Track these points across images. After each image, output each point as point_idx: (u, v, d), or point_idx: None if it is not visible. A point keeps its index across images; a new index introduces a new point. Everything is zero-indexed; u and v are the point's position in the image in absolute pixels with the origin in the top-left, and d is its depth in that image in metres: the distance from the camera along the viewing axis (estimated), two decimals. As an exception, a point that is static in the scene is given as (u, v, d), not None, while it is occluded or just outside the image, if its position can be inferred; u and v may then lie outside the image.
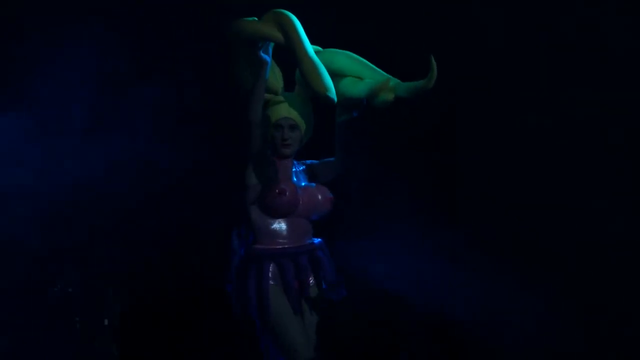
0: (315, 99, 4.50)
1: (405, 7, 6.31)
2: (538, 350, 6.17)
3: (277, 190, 4.49)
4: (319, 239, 4.67)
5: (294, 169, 4.65)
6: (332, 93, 4.33)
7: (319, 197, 4.60)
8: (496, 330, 6.22)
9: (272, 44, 4.55)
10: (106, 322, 6.37)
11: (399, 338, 6.48)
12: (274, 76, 4.63)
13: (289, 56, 4.56)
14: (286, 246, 4.53)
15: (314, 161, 4.77)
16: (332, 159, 4.74)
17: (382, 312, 6.43)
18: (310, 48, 4.44)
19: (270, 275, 4.50)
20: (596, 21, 5.99)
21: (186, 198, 6.43)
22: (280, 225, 4.55)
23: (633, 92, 5.97)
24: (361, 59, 4.65)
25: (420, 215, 6.31)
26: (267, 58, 4.49)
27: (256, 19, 4.59)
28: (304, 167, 4.70)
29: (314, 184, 4.64)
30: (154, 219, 6.43)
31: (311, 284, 4.57)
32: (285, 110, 4.58)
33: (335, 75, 4.54)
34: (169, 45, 6.37)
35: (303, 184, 4.62)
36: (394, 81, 4.54)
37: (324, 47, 4.76)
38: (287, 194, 4.46)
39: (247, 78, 4.54)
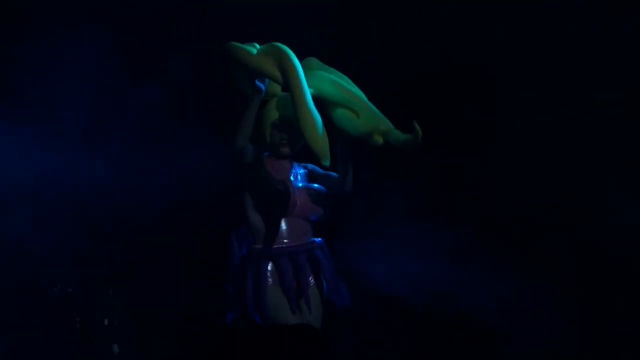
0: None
1: (406, 7, 6.31)
2: (539, 349, 6.17)
3: (273, 191, 4.48)
4: (319, 239, 4.65)
5: (292, 170, 4.63)
6: (327, 158, 4.34)
7: (318, 198, 4.58)
8: (497, 330, 6.22)
9: None
10: (106, 322, 6.37)
11: (399, 338, 6.48)
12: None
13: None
14: (284, 246, 4.51)
15: (317, 167, 4.73)
16: (335, 174, 4.70)
17: (383, 312, 6.44)
18: (308, 94, 4.40)
19: (268, 275, 4.49)
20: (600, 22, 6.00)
21: (186, 199, 6.43)
22: (278, 225, 4.54)
23: (633, 94, 5.97)
24: (349, 86, 4.58)
25: (422, 215, 6.31)
26: (262, 86, 4.48)
27: (257, 45, 4.55)
28: (305, 170, 4.67)
29: (312, 185, 4.62)
30: (154, 220, 6.42)
31: (311, 284, 4.56)
32: (283, 110, 4.57)
33: (327, 102, 4.55)
34: (168, 47, 6.36)
35: (301, 184, 4.60)
36: (384, 124, 4.50)
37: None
38: (284, 194, 4.45)
39: (246, 84, 4.55)
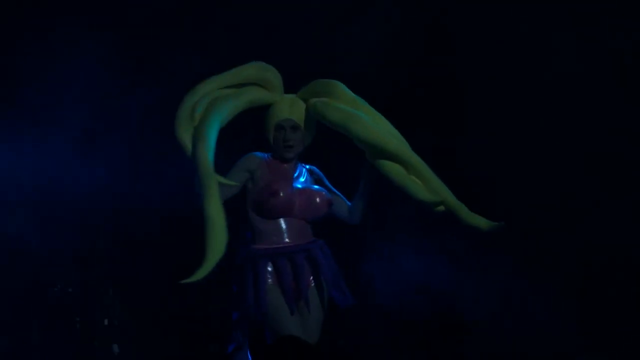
0: None
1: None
2: (539, 349, 6.18)
3: (270, 192, 4.47)
4: (320, 240, 4.64)
5: (296, 171, 4.61)
6: (201, 277, 4.25)
7: (317, 199, 4.56)
8: (500, 331, 6.24)
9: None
10: (106, 322, 6.38)
11: (398, 338, 6.49)
12: (268, 77, 4.60)
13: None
14: (282, 246, 4.50)
15: (325, 179, 4.69)
16: (348, 202, 4.66)
17: (383, 313, 6.45)
18: (215, 189, 4.19)
19: (268, 275, 4.49)
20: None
21: (187, 198, 6.40)
22: (277, 225, 4.52)
23: (634, 96, 5.99)
24: (398, 138, 4.41)
25: (421, 216, 6.31)
26: None
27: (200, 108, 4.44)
28: (310, 174, 4.64)
29: (313, 186, 4.61)
30: (155, 219, 6.43)
31: (310, 285, 4.55)
32: (286, 112, 4.55)
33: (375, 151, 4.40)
34: (168, 49, 6.37)
35: (300, 185, 4.58)
36: (451, 197, 4.35)
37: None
38: (281, 195, 4.43)
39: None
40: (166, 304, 6.52)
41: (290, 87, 4.67)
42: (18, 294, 6.30)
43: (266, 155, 4.62)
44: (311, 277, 4.54)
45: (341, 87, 4.56)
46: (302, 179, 4.61)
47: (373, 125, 4.42)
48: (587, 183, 6.12)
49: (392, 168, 4.37)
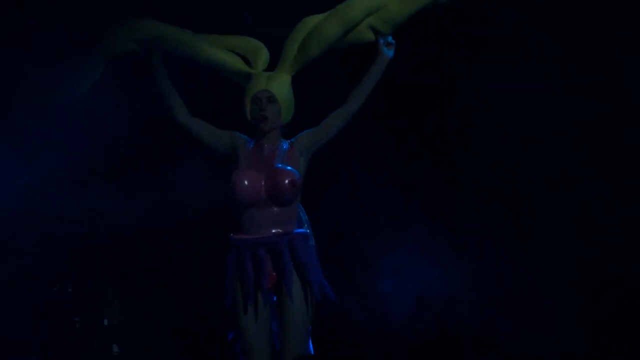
0: None
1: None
2: (539, 350, 6.18)
3: (239, 180, 4.43)
4: (299, 231, 4.53)
5: (274, 152, 4.50)
6: None
7: (285, 181, 4.45)
8: (498, 334, 6.24)
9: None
10: (106, 322, 6.39)
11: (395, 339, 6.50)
12: (255, 52, 4.63)
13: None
14: (248, 237, 4.43)
15: (310, 129, 4.61)
16: (339, 109, 4.63)
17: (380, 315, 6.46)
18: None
19: (233, 265, 4.43)
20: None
21: (186, 199, 6.43)
22: (250, 215, 4.46)
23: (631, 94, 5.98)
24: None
25: (418, 217, 6.33)
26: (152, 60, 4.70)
27: None
28: (288, 147, 4.53)
29: (286, 168, 4.50)
30: (155, 220, 6.43)
31: (273, 279, 4.45)
32: (263, 84, 4.52)
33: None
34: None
35: (279, 165, 4.48)
36: None
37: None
38: (245, 183, 4.39)
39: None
40: (165, 304, 6.53)
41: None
42: (18, 294, 6.31)
43: (251, 141, 4.57)
44: (274, 272, 4.45)
45: (310, 17, 4.63)
46: (279, 158, 4.52)
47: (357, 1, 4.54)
48: (585, 184, 6.11)
49: (378, 18, 4.53)
